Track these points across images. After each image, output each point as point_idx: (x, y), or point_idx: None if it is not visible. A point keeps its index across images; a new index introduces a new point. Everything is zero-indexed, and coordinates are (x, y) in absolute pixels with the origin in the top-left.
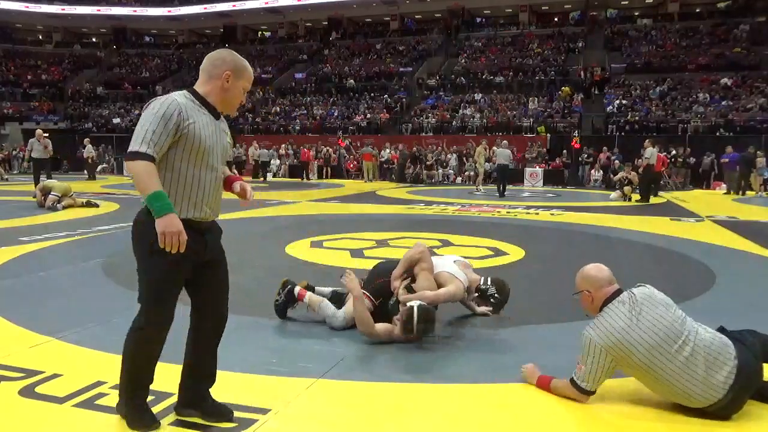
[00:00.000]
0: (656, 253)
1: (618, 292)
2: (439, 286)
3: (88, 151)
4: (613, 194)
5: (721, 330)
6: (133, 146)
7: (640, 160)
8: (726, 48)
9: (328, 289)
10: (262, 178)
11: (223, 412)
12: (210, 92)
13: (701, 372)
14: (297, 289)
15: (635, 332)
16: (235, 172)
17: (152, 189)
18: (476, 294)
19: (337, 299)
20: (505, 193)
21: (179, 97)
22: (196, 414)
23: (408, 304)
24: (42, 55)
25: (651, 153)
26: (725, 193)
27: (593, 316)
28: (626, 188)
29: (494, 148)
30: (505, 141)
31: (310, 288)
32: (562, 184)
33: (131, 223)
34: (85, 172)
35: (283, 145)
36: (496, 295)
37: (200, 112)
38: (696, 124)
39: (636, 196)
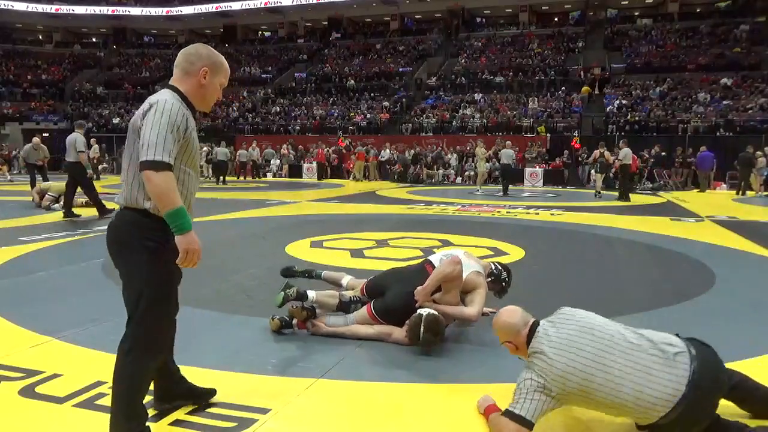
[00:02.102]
0: (656, 253)
1: (534, 327)
2: (467, 291)
3: (94, 151)
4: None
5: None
6: (155, 155)
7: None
8: (726, 48)
9: (333, 300)
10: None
11: (205, 391)
12: (188, 90)
13: (655, 374)
14: (294, 321)
15: (568, 354)
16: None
17: (177, 204)
18: (489, 279)
19: (344, 308)
20: (507, 192)
21: (175, 100)
22: (183, 403)
23: (419, 311)
24: (42, 55)
25: (624, 154)
26: (699, 191)
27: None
28: (599, 175)
29: (494, 148)
30: (508, 141)
31: (309, 313)
32: (562, 184)
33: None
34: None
35: (285, 145)
36: (507, 279)
37: (189, 113)
38: (696, 124)
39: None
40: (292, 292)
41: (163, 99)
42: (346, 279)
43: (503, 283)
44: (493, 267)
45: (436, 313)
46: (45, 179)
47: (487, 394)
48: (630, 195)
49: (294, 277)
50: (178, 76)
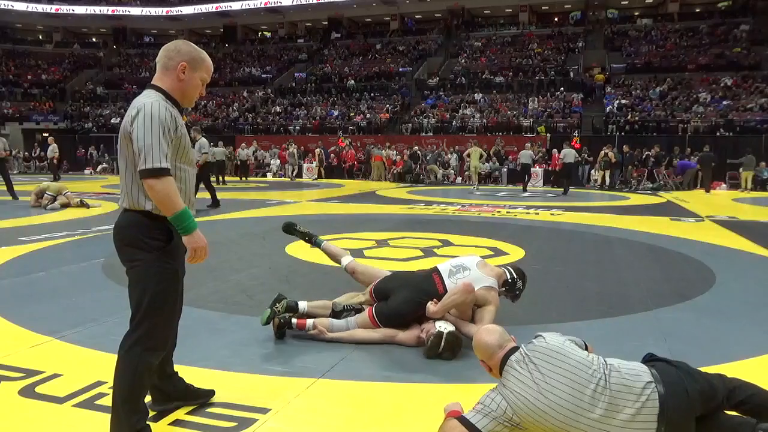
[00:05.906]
0: (656, 253)
1: (511, 352)
2: (478, 305)
3: (52, 150)
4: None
5: (650, 358)
6: (153, 162)
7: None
8: (726, 48)
9: (325, 311)
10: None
11: (204, 392)
12: (169, 87)
13: (624, 417)
14: (294, 321)
15: (538, 394)
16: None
17: (180, 207)
18: (503, 289)
19: (336, 316)
20: (526, 189)
21: (161, 101)
22: (182, 404)
23: (438, 328)
24: (42, 55)
25: (565, 153)
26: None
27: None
28: (600, 172)
29: (494, 147)
30: (528, 144)
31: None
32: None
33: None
34: (51, 172)
35: (294, 147)
36: (521, 287)
37: (176, 111)
38: (696, 124)
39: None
40: (281, 306)
41: (149, 102)
42: (346, 260)
43: (517, 291)
44: (508, 276)
45: (454, 330)
46: (6, 178)
47: (458, 402)
48: (569, 189)
49: (293, 234)
50: (158, 72)
